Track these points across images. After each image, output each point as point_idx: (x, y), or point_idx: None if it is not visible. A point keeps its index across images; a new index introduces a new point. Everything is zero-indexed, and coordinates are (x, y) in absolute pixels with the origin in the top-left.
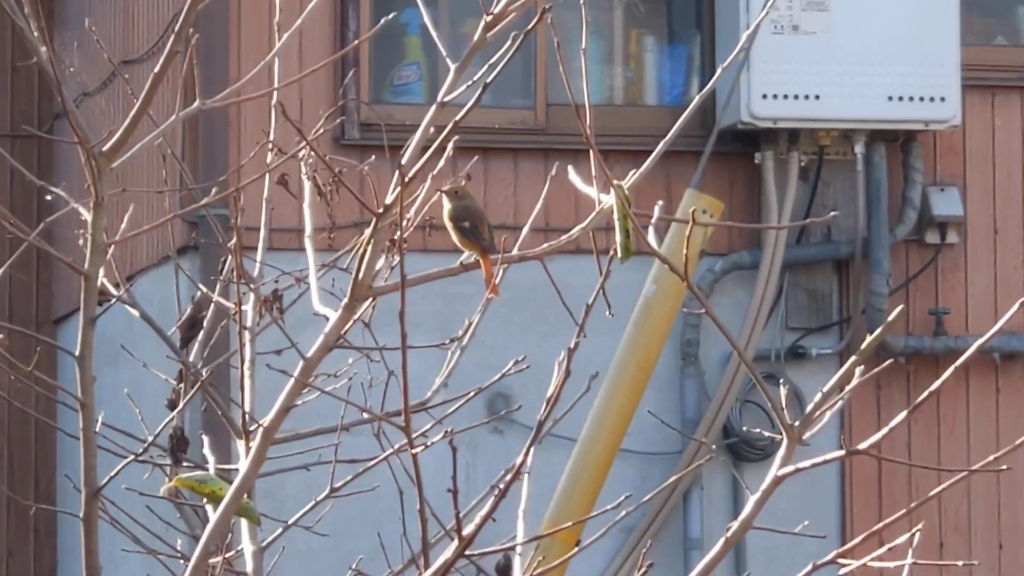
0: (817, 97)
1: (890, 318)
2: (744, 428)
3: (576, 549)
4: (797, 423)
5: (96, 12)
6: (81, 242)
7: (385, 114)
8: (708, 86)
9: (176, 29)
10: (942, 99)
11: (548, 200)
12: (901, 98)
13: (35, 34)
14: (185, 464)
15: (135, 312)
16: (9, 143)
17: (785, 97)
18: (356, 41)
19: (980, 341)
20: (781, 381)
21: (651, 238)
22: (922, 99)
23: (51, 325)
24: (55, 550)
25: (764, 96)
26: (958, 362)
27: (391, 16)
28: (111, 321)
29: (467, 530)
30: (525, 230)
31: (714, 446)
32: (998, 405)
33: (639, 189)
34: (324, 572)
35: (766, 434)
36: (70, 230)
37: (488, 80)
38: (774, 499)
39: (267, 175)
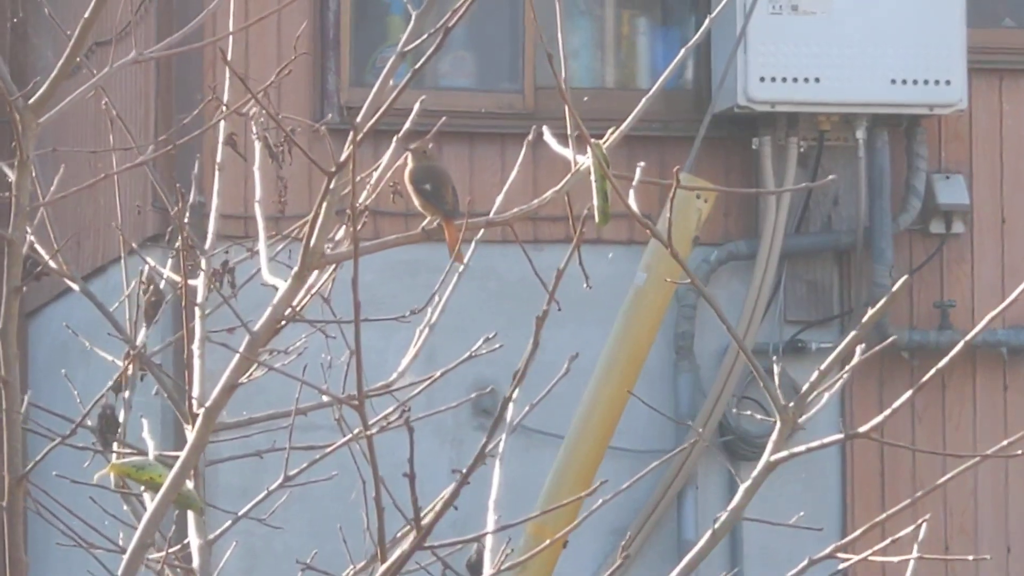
0: (817, 80)
1: (894, 288)
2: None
3: (549, 545)
4: (791, 404)
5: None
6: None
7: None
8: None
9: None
10: (947, 82)
11: (536, 185)
12: (905, 81)
13: None
14: (127, 451)
15: (74, 285)
16: None
17: (783, 80)
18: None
19: (990, 316)
20: (775, 358)
21: (631, 202)
22: (927, 82)
23: (23, 319)
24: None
25: (762, 79)
26: (969, 336)
27: None
28: (82, 314)
29: (427, 519)
30: (499, 199)
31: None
32: (1006, 402)
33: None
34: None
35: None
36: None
37: (450, 24)
38: (772, 496)
39: (220, 140)
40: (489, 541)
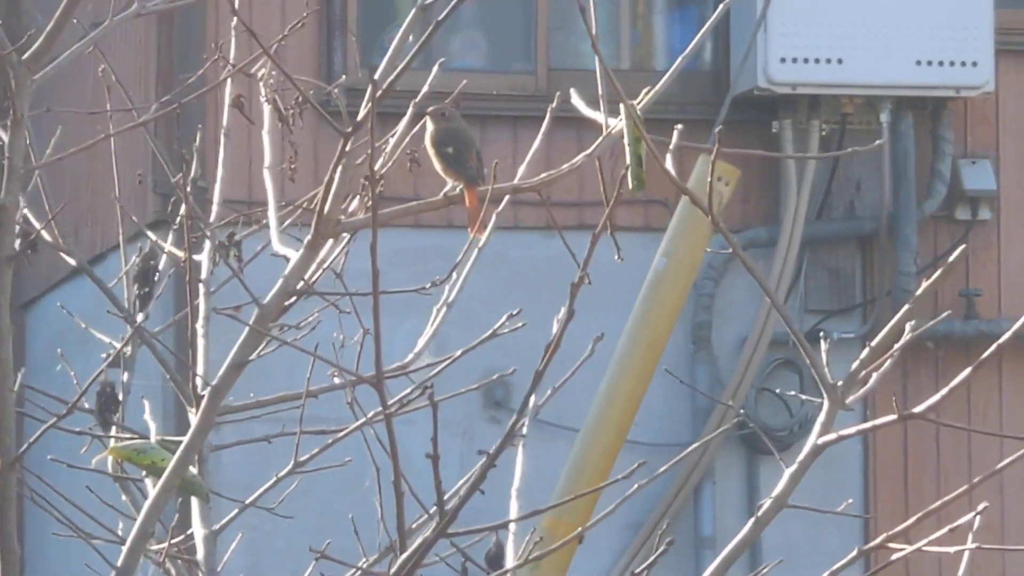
0: (840, 61)
1: (951, 258)
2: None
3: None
4: (840, 383)
5: None
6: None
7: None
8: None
9: None
10: (974, 64)
11: (550, 165)
12: (930, 62)
13: None
14: (127, 435)
15: (71, 260)
16: None
17: (805, 61)
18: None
19: None
20: (822, 334)
21: (668, 164)
22: (952, 63)
23: (20, 308)
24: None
25: (783, 60)
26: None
27: None
28: (80, 302)
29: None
30: (523, 168)
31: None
32: None
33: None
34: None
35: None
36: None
37: None
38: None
39: (225, 103)
40: (512, 529)
